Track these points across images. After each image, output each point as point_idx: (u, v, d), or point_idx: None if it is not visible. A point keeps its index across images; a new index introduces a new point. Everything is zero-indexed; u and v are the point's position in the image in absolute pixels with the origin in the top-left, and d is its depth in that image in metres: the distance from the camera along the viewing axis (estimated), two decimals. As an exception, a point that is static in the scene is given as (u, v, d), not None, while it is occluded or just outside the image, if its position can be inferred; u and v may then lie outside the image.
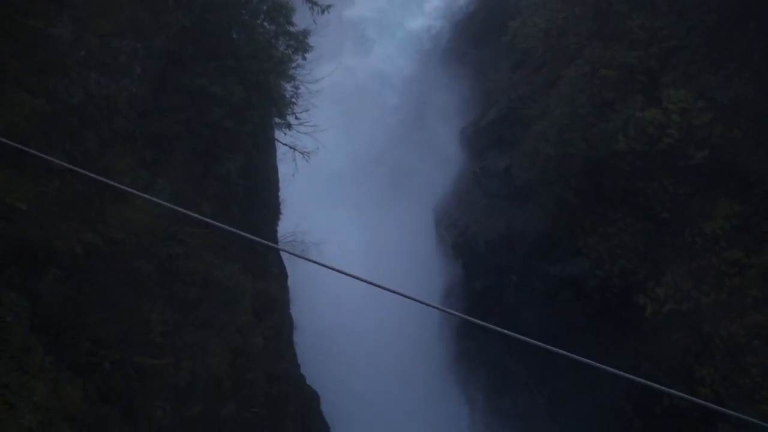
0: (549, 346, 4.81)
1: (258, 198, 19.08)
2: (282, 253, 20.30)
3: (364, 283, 6.29)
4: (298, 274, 20.56)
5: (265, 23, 16.63)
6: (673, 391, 4.74)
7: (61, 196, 12.26)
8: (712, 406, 5.19)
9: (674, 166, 18.04)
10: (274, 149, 20.13)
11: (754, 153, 16.98)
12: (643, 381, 4.96)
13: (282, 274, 20.43)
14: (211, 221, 8.34)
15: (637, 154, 18.43)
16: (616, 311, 19.21)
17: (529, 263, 22.40)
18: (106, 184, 10.30)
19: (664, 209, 18.31)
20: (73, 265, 12.21)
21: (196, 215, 8.54)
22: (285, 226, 20.15)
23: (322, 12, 17.71)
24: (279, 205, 20.50)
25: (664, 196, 18.35)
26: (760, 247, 16.13)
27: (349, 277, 6.38)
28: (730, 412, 4.63)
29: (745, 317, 15.83)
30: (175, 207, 9.66)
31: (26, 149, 8.74)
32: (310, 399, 20.82)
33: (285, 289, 20.24)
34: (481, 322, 5.90)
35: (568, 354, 4.79)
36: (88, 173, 9.34)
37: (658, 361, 17.61)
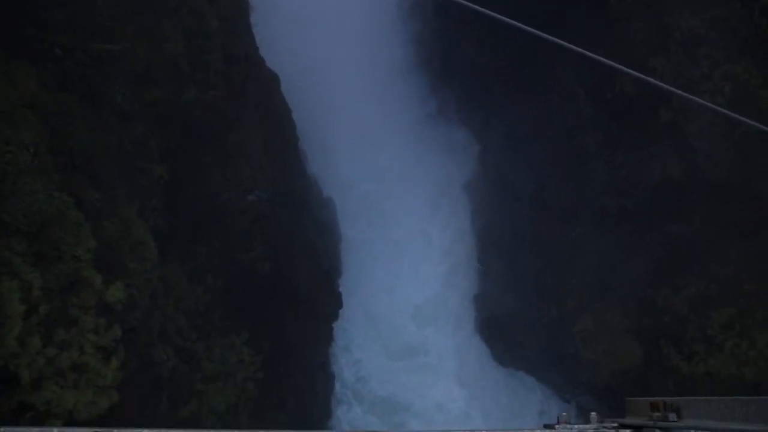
0: (513, 21, 4.72)
1: None
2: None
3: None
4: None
5: None
6: (626, 69, 4.89)
7: None
8: (663, 85, 5.42)
9: None
10: None
11: None
12: (602, 59, 5.03)
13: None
14: None
15: None
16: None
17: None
18: None
19: None
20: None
21: None
22: None
23: None
24: None
25: None
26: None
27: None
28: (680, 92, 4.86)
29: (707, 11, 15.71)
30: None
31: None
32: (270, 81, 20.90)
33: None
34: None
35: (532, 30, 4.73)
36: None
37: (614, 52, 17.73)
